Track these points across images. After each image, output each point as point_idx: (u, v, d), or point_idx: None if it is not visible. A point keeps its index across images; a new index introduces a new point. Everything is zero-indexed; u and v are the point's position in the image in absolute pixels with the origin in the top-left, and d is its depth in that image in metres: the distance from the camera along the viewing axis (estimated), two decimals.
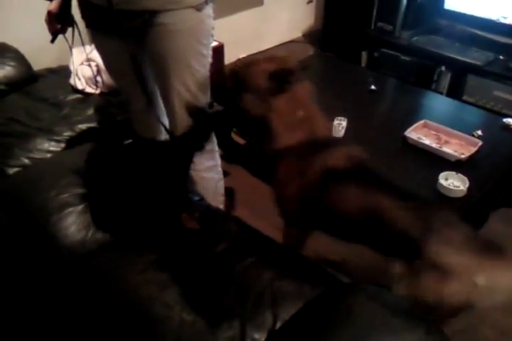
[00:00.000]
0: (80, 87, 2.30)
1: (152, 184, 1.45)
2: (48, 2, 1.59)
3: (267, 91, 1.37)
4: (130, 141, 1.92)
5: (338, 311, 1.06)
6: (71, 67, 2.37)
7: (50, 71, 2.50)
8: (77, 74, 2.31)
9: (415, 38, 3.12)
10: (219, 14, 1.59)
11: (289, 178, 1.44)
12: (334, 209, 1.36)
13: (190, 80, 1.60)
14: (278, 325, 1.16)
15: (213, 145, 1.87)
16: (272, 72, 1.36)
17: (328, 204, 1.36)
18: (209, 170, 1.88)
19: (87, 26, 1.63)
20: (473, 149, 1.96)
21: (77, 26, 1.65)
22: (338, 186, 1.35)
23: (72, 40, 1.69)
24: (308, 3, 4.06)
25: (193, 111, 1.56)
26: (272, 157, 1.45)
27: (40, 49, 2.48)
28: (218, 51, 2.75)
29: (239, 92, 1.41)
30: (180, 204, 1.58)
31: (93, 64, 2.28)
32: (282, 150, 1.41)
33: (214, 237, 1.42)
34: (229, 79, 1.47)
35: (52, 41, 1.64)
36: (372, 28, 3.35)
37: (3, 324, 1.26)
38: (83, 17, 1.60)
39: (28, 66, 2.40)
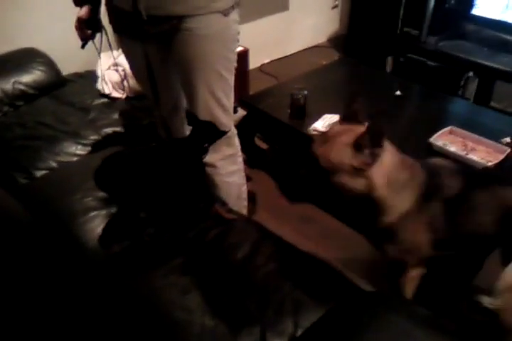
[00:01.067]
0: (106, 91, 2.34)
1: (172, 186, 1.46)
2: (78, 8, 1.63)
3: (359, 166, 1.23)
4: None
5: (360, 320, 1.05)
6: (98, 72, 2.41)
7: (78, 76, 2.55)
8: (104, 79, 2.34)
9: (442, 43, 3.08)
10: (244, 19, 1.60)
11: (416, 235, 1.38)
12: None
13: (216, 85, 1.61)
14: (299, 332, 1.16)
15: (236, 150, 1.87)
16: (354, 145, 1.22)
17: None
18: (232, 175, 1.88)
19: (114, 31, 1.66)
20: (501, 156, 1.92)
21: (105, 32, 1.68)
22: None
23: (101, 46, 1.72)
24: (333, 8, 4.06)
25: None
26: (387, 228, 1.36)
27: (68, 54, 2.52)
28: (242, 56, 2.76)
29: (330, 177, 1.27)
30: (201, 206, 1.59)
31: (120, 69, 2.32)
32: (399, 219, 1.33)
33: (236, 243, 1.42)
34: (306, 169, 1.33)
35: (83, 47, 1.67)
36: (398, 33, 3.31)
37: (26, 324, 1.28)
38: (111, 22, 1.63)
39: (57, 71, 2.45)
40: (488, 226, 1.38)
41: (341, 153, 1.23)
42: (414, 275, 1.46)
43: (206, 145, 1.48)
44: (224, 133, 1.51)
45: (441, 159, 1.44)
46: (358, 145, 1.21)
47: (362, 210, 1.38)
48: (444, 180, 1.34)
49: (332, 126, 1.35)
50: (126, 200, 1.47)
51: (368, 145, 1.20)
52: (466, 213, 1.36)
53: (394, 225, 1.34)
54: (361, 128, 1.22)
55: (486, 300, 1.72)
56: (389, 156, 1.26)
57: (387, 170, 1.26)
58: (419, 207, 1.31)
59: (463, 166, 1.45)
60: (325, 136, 1.30)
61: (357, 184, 1.26)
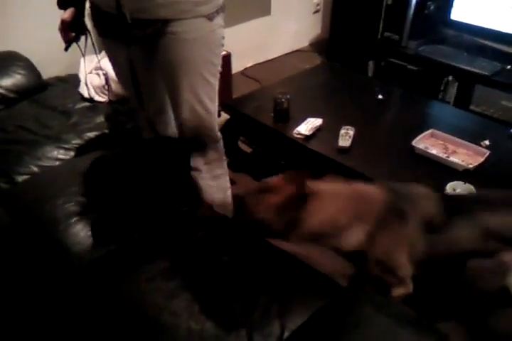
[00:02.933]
0: (88, 95, 2.32)
1: (156, 188, 1.45)
2: (60, 11, 1.61)
3: (282, 226, 1.24)
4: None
5: (345, 321, 1.06)
6: (80, 76, 2.39)
7: (60, 79, 2.52)
8: (86, 83, 2.32)
9: (422, 48, 3.13)
10: (226, 23, 1.60)
11: (393, 255, 1.39)
12: None
13: (201, 89, 1.61)
14: (286, 334, 1.16)
15: (221, 154, 1.87)
16: (279, 209, 1.23)
17: None
18: (217, 179, 1.88)
19: (99, 35, 1.65)
20: (481, 159, 1.96)
21: (90, 35, 1.67)
22: None
23: (85, 49, 1.71)
24: (314, 12, 4.09)
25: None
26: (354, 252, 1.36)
27: (49, 58, 2.51)
28: (225, 60, 2.76)
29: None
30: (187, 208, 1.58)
31: (102, 72, 2.30)
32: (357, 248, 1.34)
33: (221, 246, 1.42)
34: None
35: (66, 49, 1.66)
36: (379, 37, 3.36)
37: (13, 330, 1.26)
38: (95, 25, 1.62)
39: (38, 74, 2.42)
40: (466, 246, 1.41)
41: (266, 214, 1.24)
42: (400, 294, 1.45)
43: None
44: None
45: (420, 186, 1.45)
46: (280, 211, 1.22)
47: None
48: (416, 204, 1.36)
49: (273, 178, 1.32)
50: (114, 202, 1.45)
51: (291, 209, 1.22)
52: (443, 237, 1.38)
53: (360, 248, 1.34)
54: (290, 190, 1.23)
55: None
56: (323, 204, 1.26)
57: (320, 219, 1.26)
58: (381, 230, 1.32)
59: (442, 194, 1.48)
60: (255, 194, 1.28)
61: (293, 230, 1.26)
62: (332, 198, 1.29)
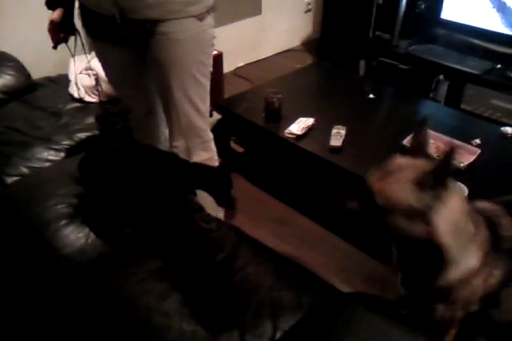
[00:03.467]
0: (79, 95, 2.30)
1: (151, 192, 1.44)
2: (49, 11, 1.60)
3: (420, 208, 1.05)
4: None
5: (337, 322, 1.06)
6: (70, 76, 2.38)
7: (50, 80, 2.51)
8: (76, 83, 2.31)
9: (413, 47, 3.14)
10: (217, 23, 1.60)
11: (475, 293, 1.21)
12: None
13: (191, 89, 1.61)
14: (278, 335, 1.16)
15: (213, 154, 1.87)
16: (416, 182, 1.04)
17: None
18: None
19: (88, 34, 1.64)
20: (472, 158, 1.96)
21: (79, 35, 1.66)
22: None
23: (75, 49, 1.70)
24: (306, 12, 4.09)
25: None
26: (446, 286, 1.17)
27: (39, 58, 2.49)
28: (217, 60, 2.76)
29: (385, 216, 1.09)
30: (181, 212, 1.57)
31: (92, 73, 2.29)
32: (463, 277, 1.16)
33: (213, 247, 1.41)
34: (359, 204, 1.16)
35: (55, 47, 1.65)
36: (370, 36, 3.36)
37: (3, 333, 1.25)
38: (84, 25, 1.61)
39: (27, 75, 2.41)
40: None
41: (401, 191, 1.05)
42: (455, 330, 1.33)
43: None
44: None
45: (485, 202, 1.27)
46: (421, 184, 1.04)
47: (420, 262, 1.19)
48: (505, 230, 1.20)
49: (393, 158, 1.13)
50: (107, 196, 1.44)
51: (432, 184, 1.03)
52: None
53: (455, 284, 1.16)
54: (426, 164, 1.07)
55: None
56: (455, 200, 1.09)
57: (452, 216, 1.09)
58: (485, 265, 1.15)
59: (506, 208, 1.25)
60: (384, 170, 1.11)
61: (416, 228, 1.08)
62: (464, 197, 1.14)
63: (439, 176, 1.03)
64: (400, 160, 1.13)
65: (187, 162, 1.43)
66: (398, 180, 1.07)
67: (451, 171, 1.05)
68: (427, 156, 1.12)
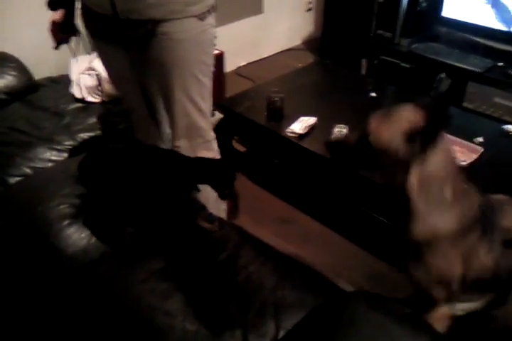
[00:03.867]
0: (81, 96, 2.31)
1: (154, 191, 1.44)
2: (51, 12, 1.60)
3: (405, 158, 1.14)
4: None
5: (340, 320, 1.06)
6: (72, 76, 2.38)
7: (51, 80, 2.51)
8: (78, 83, 2.31)
9: (414, 45, 3.13)
10: (218, 22, 1.60)
11: (449, 262, 1.23)
12: None
13: (193, 89, 1.61)
14: (281, 334, 1.16)
15: (215, 154, 1.87)
16: (408, 133, 1.12)
17: None
18: None
19: (89, 35, 1.64)
20: (474, 156, 1.96)
21: (81, 36, 1.66)
22: None
23: (76, 50, 1.70)
24: (307, 10, 4.09)
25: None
26: (415, 242, 1.22)
27: (41, 58, 2.49)
28: (218, 59, 2.76)
29: (372, 157, 1.19)
30: (184, 211, 1.57)
31: (94, 73, 2.29)
32: (429, 238, 1.20)
33: (216, 246, 1.42)
34: (357, 139, 1.24)
35: (57, 48, 1.65)
36: (372, 35, 3.36)
37: (8, 333, 1.25)
38: (86, 26, 1.61)
39: (29, 75, 2.41)
40: None
41: (391, 138, 1.14)
42: (443, 314, 1.30)
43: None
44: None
45: (504, 196, 1.29)
46: (410, 137, 1.11)
47: (397, 208, 1.25)
48: (504, 220, 1.22)
49: (401, 106, 1.19)
50: (107, 196, 1.44)
51: (419, 140, 1.11)
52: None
53: (424, 242, 1.20)
54: (423, 120, 1.12)
55: None
56: (438, 161, 1.14)
57: (429, 173, 1.14)
58: (462, 236, 1.18)
59: None
60: (386, 115, 1.19)
61: (398, 174, 1.16)
62: (451, 160, 1.18)
63: (427, 134, 1.11)
64: (404, 111, 1.18)
65: (188, 157, 1.42)
66: (392, 128, 1.15)
67: (441, 132, 1.12)
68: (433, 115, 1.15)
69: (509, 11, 2.81)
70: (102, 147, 1.48)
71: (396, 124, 1.15)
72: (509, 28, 2.84)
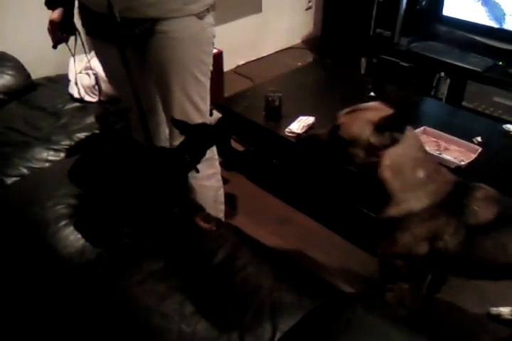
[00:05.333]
0: (79, 95, 2.30)
1: (150, 191, 1.43)
2: (48, 11, 1.59)
3: (376, 146, 1.22)
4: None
5: (337, 322, 1.05)
6: (70, 76, 2.37)
7: (49, 80, 2.51)
8: (75, 83, 2.31)
9: (414, 44, 3.12)
10: (217, 21, 1.59)
11: (415, 242, 1.29)
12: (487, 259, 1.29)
13: (192, 88, 1.60)
14: (277, 336, 1.15)
15: (213, 153, 1.86)
16: (377, 123, 1.20)
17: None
18: (209, 178, 1.87)
19: (87, 34, 1.63)
20: (473, 156, 1.95)
21: (79, 35, 1.66)
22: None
23: (75, 49, 1.70)
24: (306, 9, 4.08)
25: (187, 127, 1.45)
26: (388, 221, 1.30)
27: (38, 58, 2.48)
28: (217, 58, 2.75)
29: (343, 147, 1.26)
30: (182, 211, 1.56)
31: (92, 72, 2.29)
32: (403, 216, 1.27)
33: (213, 247, 1.41)
34: (328, 133, 1.31)
35: (55, 47, 1.64)
36: (371, 34, 3.35)
37: (4, 334, 1.25)
38: (84, 25, 1.60)
39: (27, 75, 2.40)
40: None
41: (362, 128, 1.22)
42: (402, 288, 1.39)
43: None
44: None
45: (484, 185, 1.34)
46: (380, 127, 1.20)
47: (370, 193, 1.34)
48: (474, 203, 1.26)
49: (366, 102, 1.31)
50: (101, 198, 1.43)
51: (389, 127, 1.19)
52: (488, 247, 1.26)
53: (397, 221, 1.28)
54: (389, 111, 1.22)
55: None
56: (408, 146, 1.23)
57: (401, 157, 1.23)
58: (431, 215, 1.25)
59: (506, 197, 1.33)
60: (354, 108, 1.28)
61: (368, 159, 1.24)
62: (420, 145, 1.26)
63: (396, 122, 1.19)
64: (370, 103, 1.29)
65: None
66: (361, 118, 1.23)
67: (408, 120, 1.22)
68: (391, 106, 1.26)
69: (502, 9, 2.80)
70: (89, 152, 1.46)
71: (365, 115, 1.24)
72: (508, 26, 2.83)
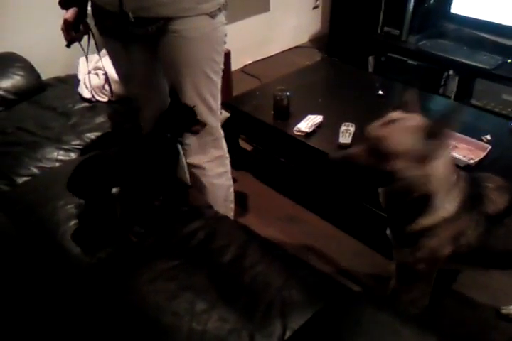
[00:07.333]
0: (88, 95, 2.31)
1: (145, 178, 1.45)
2: (58, 12, 1.60)
3: (425, 156, 1.13)
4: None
5: (347, 321, 1.05)
6: (79, 76, 2.39)
7: (59, 80, 2.52)
8: (85, 83, 2.32)
9: (422, 42, 3.11)
10: (225, 20, 1.59)
11: (442, 245, 1.27)
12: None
13: (203, 87, 1.61)
14: (287, 334, 1.15)
15: (224, 151, 1.87)
16: (426, 130, 1.12)
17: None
18: (219, 177, 1.88)
19: (100, 33, 1.64)
20: (483, 154, 1.94)
21: (92, 34, 1.67)
22: None
23: (88, 48, 1.71)
24: (314, 8, 4.07)
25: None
26: (418, 232, 1.26)
27: (48, 58, 2.50)
28: (225, 58, 2.74)
29: (383, 163, 1.15)
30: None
31: (101, 72, 2.30)
32: (436, 224, 1.23)
33: (223, 246, 1.41)
34: (366, 150, 1.18)
35: (68, 46, 1.65)
36: (379, 32, 3.34)
37: (14, 332, 1.26)
38: (96, 24, 1.61)
39: (37, 75, 2.41)
40: None
41: (412, 138, 1.12)
42: (417, 289, 1.38)
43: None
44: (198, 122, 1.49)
45: (490, 174, 1.33)
46: (430, 133, 1.11)
47: (402, 207, 1.27)
48: (490, 193, 1.26)
49: (389, 113, 1.23)
50: (101, 203, 1.45)
51: (435, 133, 1.11)
52: (501, 235, 1.26)
53: (427, 229, 1.24)
54: (420, 117, 1.17)
55: None
56: (448, 152, 1.20)
57: (446, 166, 1.18)
58: (458, 215, 1.23)
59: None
60: (385, 120, 1.18)
61: (414, 173, 1.15)
62: (448, 147, 1.21)
63: (440, 127, 1.12)
64: (397, 114, 1.21)
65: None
66: (406, 128, 1.14)
67: (448, 125, 1.13)
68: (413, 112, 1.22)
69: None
70: (83, 162, 1.46)
71: (406, 123, 1.15)
72: None
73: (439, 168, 1.17)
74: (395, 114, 1.21)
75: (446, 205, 1.22)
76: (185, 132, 1.46)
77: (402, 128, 1.15)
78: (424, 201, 1.21)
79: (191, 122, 1.47)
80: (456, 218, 1.23)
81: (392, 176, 1.16)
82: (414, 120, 1.16)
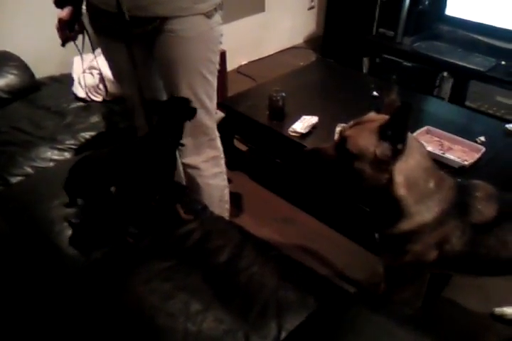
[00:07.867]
0: (82, 95, 2.30)
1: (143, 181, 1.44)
2: (54, 10, 1.60)
3: (383, 159, 1.15)
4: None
5: (342, 322, 1.06)
6: (74, 75, 2.38)
7: (53, 79, 2.51)
8: (79, 83, 2.31)
9: (417, 44, 3.12)
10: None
11: (426, 250, 1.27)
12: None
13: (199, 87, 1.61)
14: (283, 335, 1.15)
15: (219, 152, 1.87)
16: (380, 131, 1.14)
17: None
18: (215, 177, 1.88)
19: (95, 32, 1.64)
20: (477, 155, 1.95)
21: (87, 33, 1.66)
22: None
23: (83, 47, 1.70)
24: (309, 9, 4.08)
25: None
26: (398, 236, 1.26)
27: (42, 57, 2.49)
28: (220, 58, 2.75)
29: (349, 161, 1.19)
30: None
31: (96, 72, 2.29)
32: (415, 229, 1.23)
33: (218, 246, 1.41)
34: (334, 147, 1.24)
35: (63, 45, 1.64)
36: (374, 33, 3.35)
37: (9, 333, 1.25)
38: (91, 23, 1.61)
39: (31, 74, 2.40)
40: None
41: (366, 139, 1.15)
42: (408, 290, 1.40)
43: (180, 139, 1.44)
44: (194, 110, 1.44)
45: (483, 182, 1.32)
46: (382, 133, 1.14)
47: (378, 210, 1.30)
48: (477, 203, 1.25)
49: (368, 114, 1.26)
50: (99, 203, 1.44)
51: (390, 136, 1.13)
52: (490, 244, 1.25)
53: (408, 234, 1.25)
54: (385, 120, 1.17)
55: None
56: (415, 156, 1.18)
57: (413, 171, 1.18)
58: (440, 222, 1.23)
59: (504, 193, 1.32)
60: (357, 121, 1.23)
61: (378, 176, 1.18)
62: (426, 153, 1.22)
63: (395, 129, 1.12)
64: (373, 115, 1.25)
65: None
66: (365, 129, 1.18)
67: (406, 127, 1.13)
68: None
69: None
70: (79, 162, 1.44)
71: (368, 125, 1.18)
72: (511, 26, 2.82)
73: (403, 173, 1.17)
74: (368, 115, 1.25)
75: (423, 211, 1.21)
76: (184, 120, 1.43)
77: (363, 129, 1.18)
78: (394, 205, 1.22)
79: (187, 112, 1.44)
80: (440, 225, 1.23)
81: (360, 176, 1.19)
82: (377, 122, 1.17)
